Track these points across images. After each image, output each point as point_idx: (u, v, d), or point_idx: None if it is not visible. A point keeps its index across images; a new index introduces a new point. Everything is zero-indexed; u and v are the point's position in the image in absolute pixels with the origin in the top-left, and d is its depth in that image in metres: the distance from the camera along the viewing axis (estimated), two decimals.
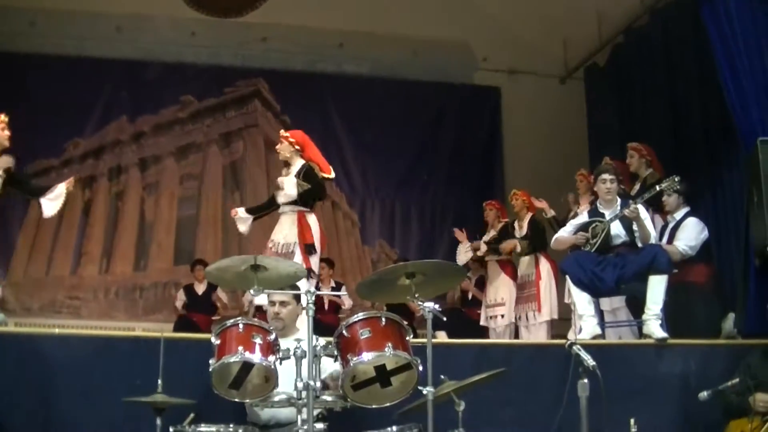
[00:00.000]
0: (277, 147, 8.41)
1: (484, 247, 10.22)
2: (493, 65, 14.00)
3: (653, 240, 7.30)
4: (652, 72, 10.83)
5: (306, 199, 8.03)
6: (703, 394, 5.86)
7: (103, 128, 13.04)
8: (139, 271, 12.84)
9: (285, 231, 7.96)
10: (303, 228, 7.85)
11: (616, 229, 7.36)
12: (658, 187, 7.46)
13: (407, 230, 13.71)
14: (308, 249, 7.75)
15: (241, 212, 8.62)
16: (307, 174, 8.06)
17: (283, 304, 5.59)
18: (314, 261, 7.80)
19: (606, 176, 7.55)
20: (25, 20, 12.31)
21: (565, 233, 7.88)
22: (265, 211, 8.67)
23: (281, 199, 8.12)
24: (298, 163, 8.18)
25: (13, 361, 6.01)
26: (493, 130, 14.19)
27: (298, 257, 7.68)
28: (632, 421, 5.19)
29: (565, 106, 13.05)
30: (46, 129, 12.47)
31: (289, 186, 8.00)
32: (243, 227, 8.60)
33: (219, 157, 13.45)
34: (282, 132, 8.56)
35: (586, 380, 4.85)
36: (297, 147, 8.23)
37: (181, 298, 11.66)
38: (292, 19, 12.81)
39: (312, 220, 7.98)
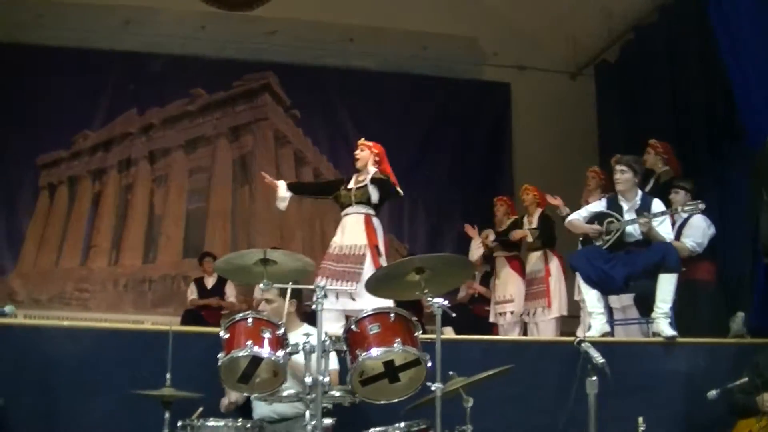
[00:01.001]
0: (357, 153, 8.08)
1: (492, 235, 10.18)
2: (503, 61, 13.97)
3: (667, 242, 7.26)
4: (660, 69, 10.82)
5: (381, 195, 7.83)
6: (712, 393, 5.86)
7: (111, 121, 13.06)
8: (148, 264, 12.86)
9: (353, 233, 7.74)
10: (370, 230, 7.69)
11: (631, 228, 7.32)
12: (680, 209, 7.38)
13: (415, 224, 13.70)
14: (377, 251, 7.60)
15: (282, 188, 8.24)
16: (377, 179, 7.84)
17: (268, 301, 5.62)
18: (382, 264, 7.55)
19: (617, 167, 7.49)
20: (32, 12, 12.32)
21: (579, 217, 7.81)
22: (311, 194, 8.77)
23: (353, 199, 7.87)
24: (371, 171, 7.93)
25: (21, 353, 6.05)
26: (502, 126, 14.17)
27: (370, 260, 7.54)
28: (640, 419, 5.19)
29: (574, 102, 13.04)
30: (54, 121, 12.55)
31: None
32: (282, 204, 8.27)
33: (228, 150, 13.46)
34: (363, 141, 8.21)
35: (594, 377, 4.85)
36: (377, 159, 8.01)
37: (192, 291, 11.65)
38: (300, 14, 12.83)
39: (377, 223, 7.82)
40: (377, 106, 13.52)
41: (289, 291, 5.32)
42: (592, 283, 7.33)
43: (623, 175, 7.46)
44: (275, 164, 13.40)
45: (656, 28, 11.08)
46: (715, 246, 8.26)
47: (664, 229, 7.31)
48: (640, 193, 7.49)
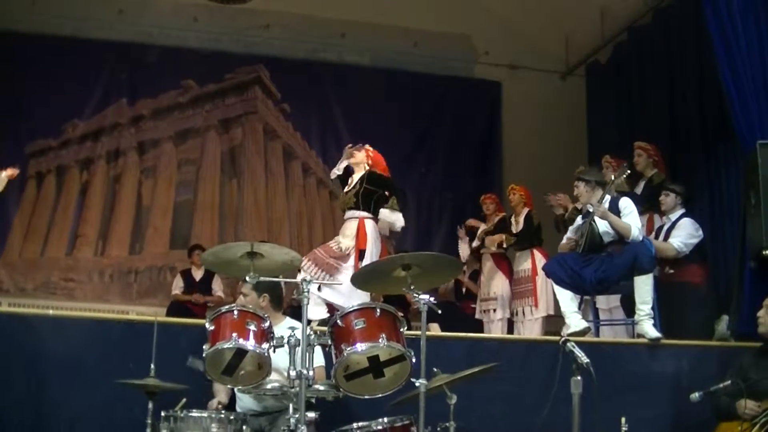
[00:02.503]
0: (355, 151, 8.35)
1: (477, 243, 10.23)
2: (495, 59, 13.97)
3: (635, 232, 7.22)
4: (653, 71, 10.84)
5: (367, 203, 8.12)
6: (695, 395, 5.86)
7: (102, 111, 12.98)
8: (135, 255, 12.81)
9: (347, 236, 7.99)
10: (361, 234, 7.96)
11: (604, 226, 7.34)
12: (613, 177, 7.42)
13: (404, 221, 13.67)
14: (361, 254, 7.87)
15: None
16: (371, 179, 8.14)
17: (243, 295, 5.64)
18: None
19: (576, 183, 7.60)
20: (26, 0, 12.26)
21: (565, 240, 7.97)
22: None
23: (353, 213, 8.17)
24: (362, 172, 8.25)
25: (6, 342, 6.03)
26: (493, 125, 14.16)
27: (352, 261, 7.82)
28: (623, 419, 5.20)
29: (565, 102, 13.06)
30: (45, 110, 12.48)
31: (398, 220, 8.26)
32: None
33: (218, 142, 13.41)
34: (368, 147, 8.45)
35: (579, 377, 4.85)
36: (370, 162, 8.29)
37: (178, 284, 11.60)
38: (294, 8, 12.83)
39: (371, 226, 8.06)
40: (368, 101, 13.53)
41: (274, 286, 5.34)
42: (564, 284, 7.40)
43: (577, 190, 7.60)
44: (264, 157, 13.39)
45: (650, 29, 11.09)
46: (705, 248, 8.29)
47: (631, 220, 7.29)
48: (607, 196, 7.49)
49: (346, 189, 8.28)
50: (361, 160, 8.27)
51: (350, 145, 8.43)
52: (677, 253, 7.92)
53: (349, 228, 8.03)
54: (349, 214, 8.12)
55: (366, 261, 7.77)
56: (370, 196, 8.08)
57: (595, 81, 12.81)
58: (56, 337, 6.11)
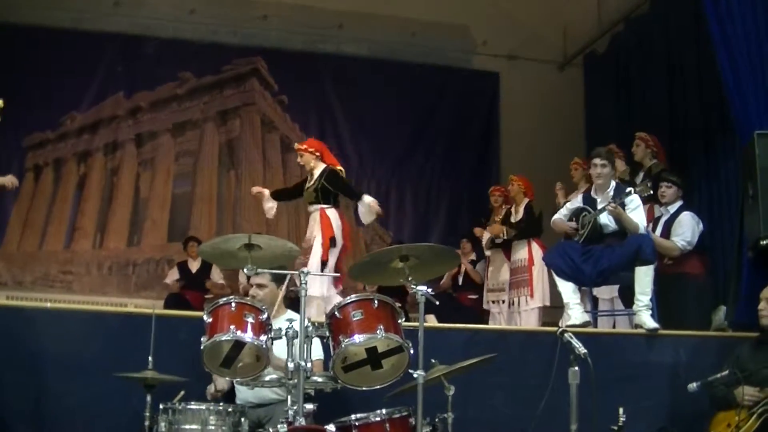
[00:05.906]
0: (300, 160, 8.69)
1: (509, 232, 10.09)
2: (493, 50, 13.98)
3: (642, 231, 7.25)
4: (651, 61, 10.84)
5: (327, 197, 8.43)
6: (693, 386, 5.88)
7: (99, 103, 12.98)
8: (133, 247, 12.83)
9: (312, 228, 8.37)
10: (324, 223, 8.27)
11: (605, 218, 7.35)
12: (632, 191, 7.38)
13: (402, 212, 13.70)
14: (331, 242, 8.19)
15: (267, 196, 8.95)
16: (330, 178, 8.42)
17: (260, 286, 5.63)
18: (333, 254, 8.25)
19: (597, 161, 7.44)
20: None
21: (560, 216, 7.92)
22: (289, 198, 9.30)
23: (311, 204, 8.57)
24: (320, 167, 8.52)
25: (4, 335, 6.03)
26: (491, 115, 14.17)
27: (317, 251, 8.11)
28: (621, 410, 5.20)
29: (563, 93, 13.06)
30: (42, 102, 12.45)
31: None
32: (270, 212, 9.06)
33: (215, 134, 13.41)
34: (297, 145, 8.84)
35: (576, 368, 4.85)
36: (317, 154, 8.57)
37: (172, 275, 11.62)
38: None
39: (333, 214, 8.38)
40: (366, 92, 13.56)
41: (287, 278, 5.36)
42: (566, 275, 7.40)
43: (604, 170, 7.48)
44: (261, 149, 13.40)
45: (647, 19, 11.10)
46: (704, 240, 8.28)
47: (637, 216, 7.29)
48: (613, 183, 7.51)
49: (307, 185, 8.60)
50: (310, 160, 8.58)
51: None
52: (681, 252, 7.93)
53: (313, 220, 8.43)
54: (313, 207, 8.50)
55: (335, 248, 8.24)
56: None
57: (593, 71, 12.81)
58: (54, 330, 6.11)
